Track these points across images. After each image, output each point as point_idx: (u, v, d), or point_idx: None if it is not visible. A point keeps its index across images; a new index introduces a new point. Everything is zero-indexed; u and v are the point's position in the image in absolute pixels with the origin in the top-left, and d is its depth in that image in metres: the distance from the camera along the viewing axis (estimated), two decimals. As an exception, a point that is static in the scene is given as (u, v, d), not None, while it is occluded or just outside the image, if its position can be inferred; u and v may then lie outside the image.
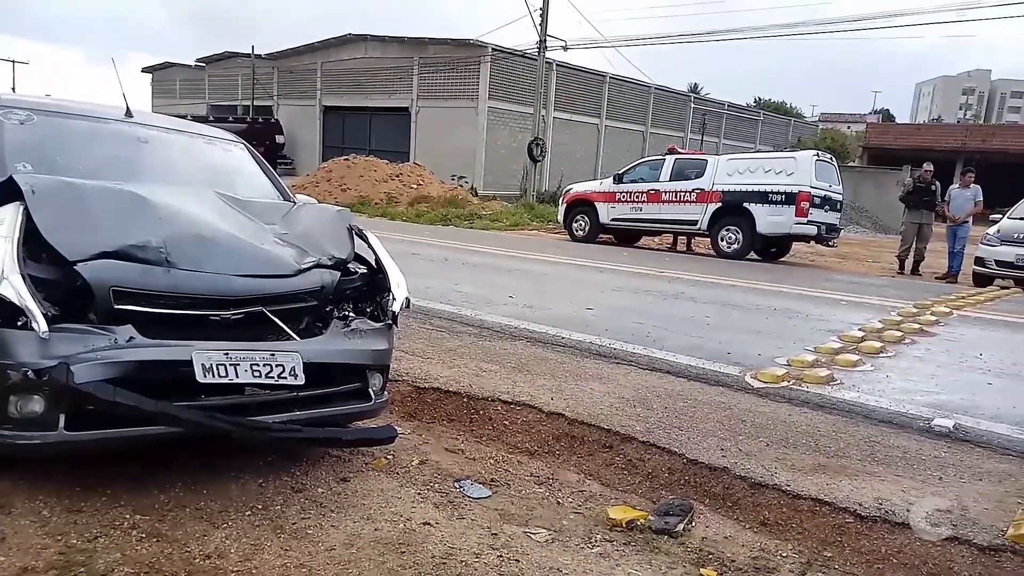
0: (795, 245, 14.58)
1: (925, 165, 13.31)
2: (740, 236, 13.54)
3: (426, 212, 19.53)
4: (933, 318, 7.63)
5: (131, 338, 2.61)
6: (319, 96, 35.66)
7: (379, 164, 23.20)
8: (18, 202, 2.80)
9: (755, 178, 13.43)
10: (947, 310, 8.36)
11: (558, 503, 3.18)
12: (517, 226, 18.74)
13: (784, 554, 2.87)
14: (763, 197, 13.23)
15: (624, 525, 2.93)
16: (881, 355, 5.83)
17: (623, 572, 2.61)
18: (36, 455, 2.73)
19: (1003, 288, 12.03)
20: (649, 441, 3.77)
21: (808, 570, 2.77)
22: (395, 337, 3.48)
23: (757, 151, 35.56)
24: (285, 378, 2.80)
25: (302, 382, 2.84)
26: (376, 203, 20.60)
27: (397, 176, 22.67)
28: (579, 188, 16.48)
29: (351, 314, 3.32)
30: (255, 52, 37.27)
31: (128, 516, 2.63)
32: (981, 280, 12.39)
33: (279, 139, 33.39)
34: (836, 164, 14.60)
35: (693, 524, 3.02)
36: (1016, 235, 12.01)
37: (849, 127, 70.90)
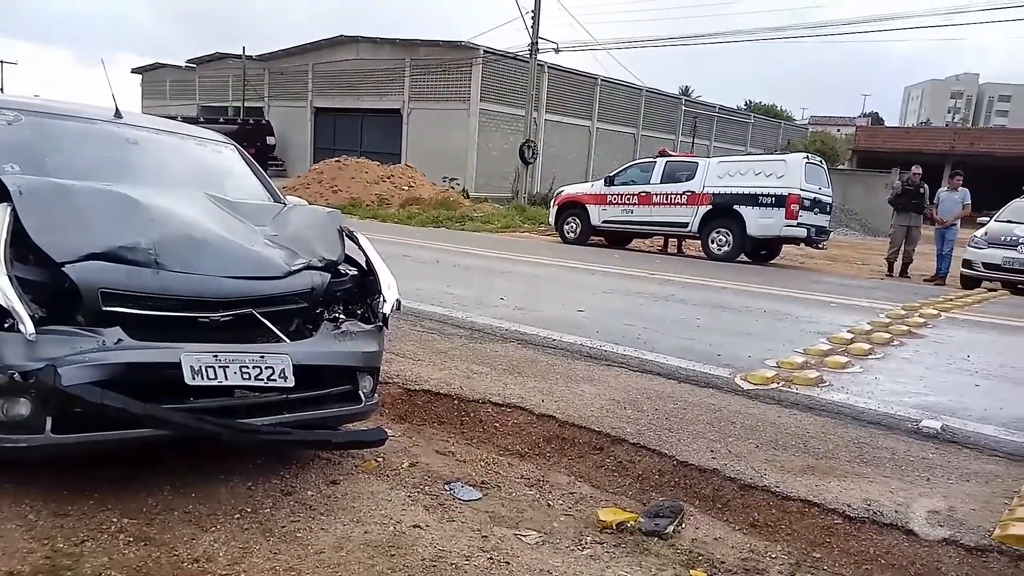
0: (785, 247, 14.66)
1: (914, 168, 13.40)
2: (730, 238, 13.60)
3: (417, 214, 19.51)
4: (921, 320, 7.68)
5: (119, 340, 2.60)
6: (310, 97, 35.53)
7: (370, 166, 23.15)
8: (5, 203, 2.78)
9: (745, 180, 13.50)
10: (935, 312, 8.41)
11: (548, 505, 3.19)
12: (508, 228, 18.76)
13: (773, 555, 2.89)
14: (753, 199, 13.28)
15: (614, 527, 2.94)
16: (870, 357, 5.86)
17: (613, 574, 2.61)
18: (23, 458, 2.70)
19: (990, 290, 12.14)
20: (639, 443, 3.77)
21: (797, 571, 2.79)
22: (386, 339, 3.47)
23: (748, 154, 35.72)
24: (275, 380, 2.78)
25: (292, 384, 2.83)
26: (367, 205, 20.57)
27: (388, 178, 22.63)
28: (570, 190, 16.53)
29: (341, 316, 3.31)
30: (246, 53, 37.15)
31: (116, 520, 2.61)
32: (969, 282, 12.51)
33: (270, 140, 33.24)
34: (826, 167, 14.68)
35: (683, 526, 3.03)
36: (1003, 238, 12.13)
37: (839, 130, 71.43)
